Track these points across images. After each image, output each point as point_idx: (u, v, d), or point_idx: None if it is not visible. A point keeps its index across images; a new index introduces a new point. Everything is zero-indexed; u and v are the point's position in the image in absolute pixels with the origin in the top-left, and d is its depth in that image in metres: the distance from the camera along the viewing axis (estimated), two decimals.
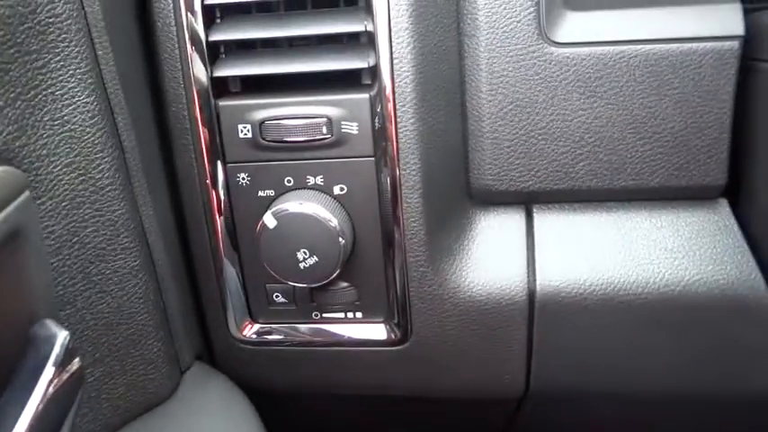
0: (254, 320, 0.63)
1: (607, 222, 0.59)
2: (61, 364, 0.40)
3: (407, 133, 0.54)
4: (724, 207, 0.58)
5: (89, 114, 0.46)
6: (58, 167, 0.45)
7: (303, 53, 0.54)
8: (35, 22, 0.42)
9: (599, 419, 0.74)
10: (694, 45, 0.53)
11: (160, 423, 0.55)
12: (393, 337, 0.61)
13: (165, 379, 0.56)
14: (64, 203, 0.45)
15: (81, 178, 0.46)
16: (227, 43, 0.55)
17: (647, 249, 0.58)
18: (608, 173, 0.57)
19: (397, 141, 0.54)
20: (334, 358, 0.63)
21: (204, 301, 0.63)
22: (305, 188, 0.56)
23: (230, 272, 0.60)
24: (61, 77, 0.44)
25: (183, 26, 0.53)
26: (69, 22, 0.44)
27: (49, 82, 0.43)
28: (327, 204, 0.55)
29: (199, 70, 0.54)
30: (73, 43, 0.44)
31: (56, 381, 0.39)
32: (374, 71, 0.53)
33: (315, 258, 0.55)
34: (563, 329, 0.59)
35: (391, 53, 0.52)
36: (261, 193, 0.57)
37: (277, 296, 0.61)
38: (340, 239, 0.54)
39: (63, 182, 0.45)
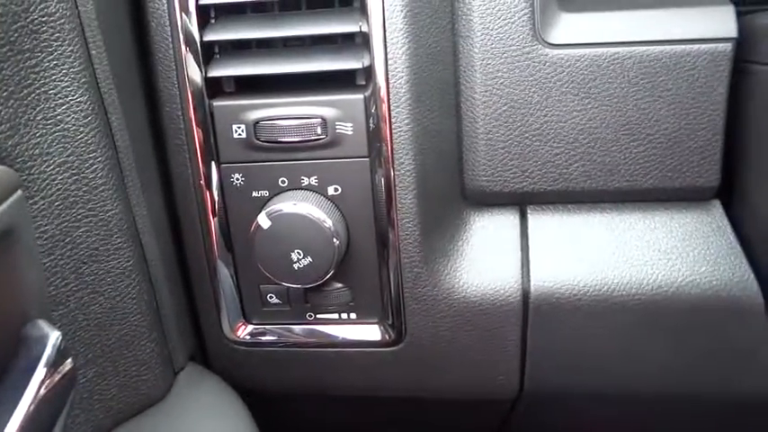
0: (248, 321, 0.63)
1: (601, 223, 0.59)
2: (53, 365, 0.40)
3: (402, 134, 0.54)
4: (717, 208, 0.58)
5: (82, 114, 0.46)
6: (51, 167, 0.44)
7: (298, 53, 0.55)
8: (28, 20, 0.41)
9: (593, 420, 0.74)
10: (687, 47, 0.53)
11: (153, 424, 0.55)
12: (387, 338, 0.61)
13: (159, 380, 0.56)
14: (57, 203, 0.45)
15: (74, 178, 0.46)
16: (221, 43, 0.55)
17: (640, 250, 0.58)
18: (602, 174, 0.57)
19: (391, 142, 0.54)
20: (328, 359, 0.63)
21: (198, 302, 0.63)
22: (299, 189, 0.56)
23: (224, 272, 0.60)
24: (54, 76, 0.44)
25: (177, 26, 0.53)
26: (63, 21, 0.43)
27: (42, 81, 0.43)
28: (322, 205, 0.55)
29: (193, 70, 0.54)
30: (66, 42, 0.44)
31: (47, 381, 0.39)
32: (369, 72, 0.53)
33: (309, 259, 0.55)
34: (557, 330, 0.59)
35: (386, 54, 0.52)
36: (255, 194, 0.57)
37: (271, 297, 0.61)
38: (334, 240, 0.54)
39: (56, 181, 0.45)
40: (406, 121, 0.54)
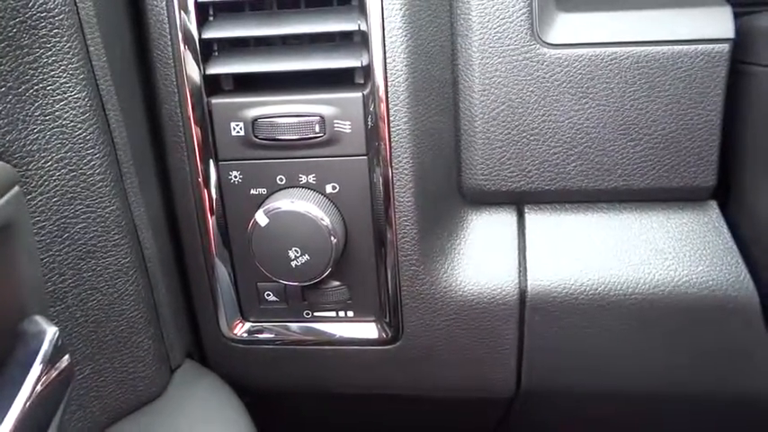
0: (245, 319, 0.63)
1: (598, 223, 0.59)
2: (50, 361, 0.40)
3: (400, 132, 0.54)
4: (714, 208, 0.59)
5: (80, 110, 0.46)
6: (49, 163, 0.44)
7: (296, 51, 0.55)
8: (27, 16, 0.42)
9: (590, 419, 0.75)
10: (685, 47, 0.53)
11: (149, 422, 0.55)
12: (384, 336, 0.61)
13: (155, 377, 0.56)
14: (54, 199, 0.45)
15: (72, 174, 0.46)
16: (220, 41, 0.55)
17: (637, 250, 0.58)
18: (599, 173, 0.57)
19: (389, 140, 0.54)
20: (325, 357, 0.63)
21: (195, 300, 0.63)
22: (297, 186, 0.56)
23: (221, 270, 0.60)
24: (53, 72, 0.44)
25: (175, 23, 0.53)
26: (62, 17, 0.44)
27: (40, 77, 0.43)
28: (319, 203, 0.55)
29: (191, 68, 0.54)
30: (65, 39, 0.44)
31: (44, 377, 0.39)
32: (367, 70, 0.53)
33: (306, 257, 0.55)
34: (554, 329, 0.59)
35: (384, 52, 0.52)
36: (253, 192, 0.57)
37: (268, 295, 0.61)
38: (332, 238, 0.54)
39: (54, 177, 0.45)
40: (404, 120, 0.54)
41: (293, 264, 0.55)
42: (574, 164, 0.57)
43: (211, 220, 0.58)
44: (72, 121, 0.45)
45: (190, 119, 0.55)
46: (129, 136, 0.51)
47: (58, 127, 0.44)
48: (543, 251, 0.59)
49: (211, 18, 0.55)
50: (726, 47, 0.53)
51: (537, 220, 0.60)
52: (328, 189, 0.56)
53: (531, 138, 0.56)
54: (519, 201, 0.60)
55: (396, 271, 0.58)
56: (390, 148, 0.54)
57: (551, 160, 0.57)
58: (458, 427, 0.79)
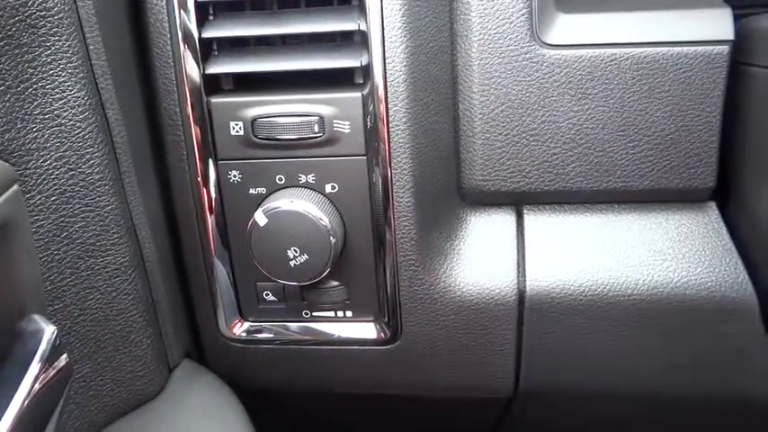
0: (244, 319, 0.63)
1: (597, 224, 0.59)
2: (48, 360, 0.40)
3: (399, 132, 0.54)
4: (713, 210, 0.59)
5: (80, 109, 0.46)
6: (48, 162, 0.45)
7: (296, 51, 0.55)
8: (26, 14, 0.42)
9: (589, 419, 0.75)
10: (685, 49, 0.54)
11: (147, 421, 0.55)
12: (383, 336, 0.62)
13: (154, 376, 0.56)
14: (53, 198, 0.46)
15: (71, 173, 0.46)
16: (219, 40, 0.56)
17: (636, 251, 0.58)
18: (598, 174, 0.57)
19: (388, 140, 0.55)
20: (323, 357, 0.64)
21: (194, 299, 0.63)
22: (296, 186, 0.56)
23: (220, 269, 0.60)
24: (52, 71, 0.44)
25: (175, 23, 0.53)
26: (61, 15, 0.44)
27: (39, 75, 0.43)
28: (319, 203, 0.55)
29: (191, 67, 0.54)
30: (64, 38, 0.44)
31: (42, 376, 0.39)
32: (366, 70, 0.54)
33: (305, 257, 0.55)
34: (553, 330, 0.60)
35: (384, 52, 0.53)
36: (252, 191, 0.57)
37: (267, 294, 0.61)
38: (331, 238, 0.55)
39: (53, 176, 0.45)
40: (403, 120, 0.54)
41: (292, 263, 0.56)
42: (573, 165, 0.57)
43: (210, 220, 0.59)
44: (71, 120, 0.46)
45: (189, 118, 0.56)
46: (129, 135, 0.52)
47: (57, 126, 0.45)
48: (542, 252, 0.59)
49: (211, 17, 0.55)
50: (725, 48, 0.53)
51: (536, 221, 0.60)
52: (327, 189, 0.56)
53: (531, 138, 0.57)
54: (518, 201, 0.60)
55: (394, 271, 0.58)
56: (389, 148, 0.55)
57: (550, 161, 0.57)
58: (457, 427, 0.79)
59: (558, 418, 0.76)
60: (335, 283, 0.60)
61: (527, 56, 0.55)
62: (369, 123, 0.54)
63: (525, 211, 0.60)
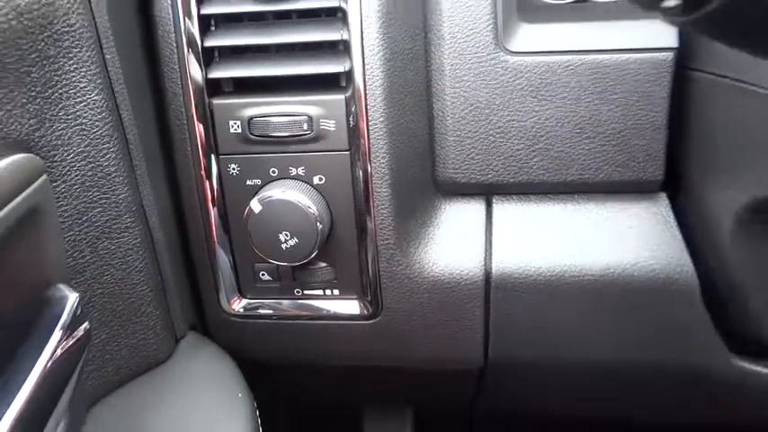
0: (243, 296, 0.67)
1: (558, 212, 0.64)
2: (71, 324, 0.45)
3: (377, 130, 0.59)
4: (663, 200, 0.62)
5: (98, 110, 0.50)
6: (71, 155, 0.49)
7: (288, 58, 0.59)
8: (53, 31, 0.46)
9: (553, 388, 0.79)
10: (633, 56, 0.58)
11: (157, 382, 0.60)
12: (366, 312, 0.66)
13: (162, 344, 0.61)
14: (75, 187, 0.49)
15: (90, 165, 0.50)
16: (221, 48, 0.59)
17: (592, 237, 0.62)
18: (558, 168, 0.61)
19: (368, 137, 0.59)
20: (313, 331, 0.68)
21: (198, 278, 0.67)
22: (288, 178, 0.60)
23: (221, 252, 0.64)
24: (74, 78, 0.48)
25: (181, 33, 0.57)
26: (82, 30, 0.48)
27: (63, 82, 0.47)
28: (307, 192, 0.59)
29: (195, 72, 0.58)
30: (84, 49, 0.48)
31: (66, 336, 0.44)
32: (349, 75, 0.58)
33: (295, 240, 0.59)
34: (516, 307, 0.64)
35: (363, 59, 0.57)
36: (249, 182, 0.61)
37: (263, 274, 0.65)
38: (318, 224, 0.59)
39: (75, 168, 0.49)
40: (381, 119, 0.58)
41: (284, 246, 0.60)
42: (535, 159, 0.61)
43: (213, 208, 0.62)
44: (90, 120, 0.49)
45: (193, 117, 0.59)
46: (140, 133, 0.55)
47: (78, 125, 0.49)
48: (508, 237, 0.63)
49: (213, 28, 0.59)
50: (670, 55, 0.57)
51: (503, 210, 0.64)
52: (315, 180, 0.60)
53: (497, 135, 0.61)
54: (487, 192, 0.64)
55: (375, 254, 0.62)
56: (369, 144, 0.59)
57: (515, 156, 0.61)
58: (439, 397, 0.83)
59: (526, 388, 0.79)
60: (323, 265, 0.64)
61: (493, 62, 0.59)
62: (351, 122, 0.58)
63: (494, 201, 0.64)
